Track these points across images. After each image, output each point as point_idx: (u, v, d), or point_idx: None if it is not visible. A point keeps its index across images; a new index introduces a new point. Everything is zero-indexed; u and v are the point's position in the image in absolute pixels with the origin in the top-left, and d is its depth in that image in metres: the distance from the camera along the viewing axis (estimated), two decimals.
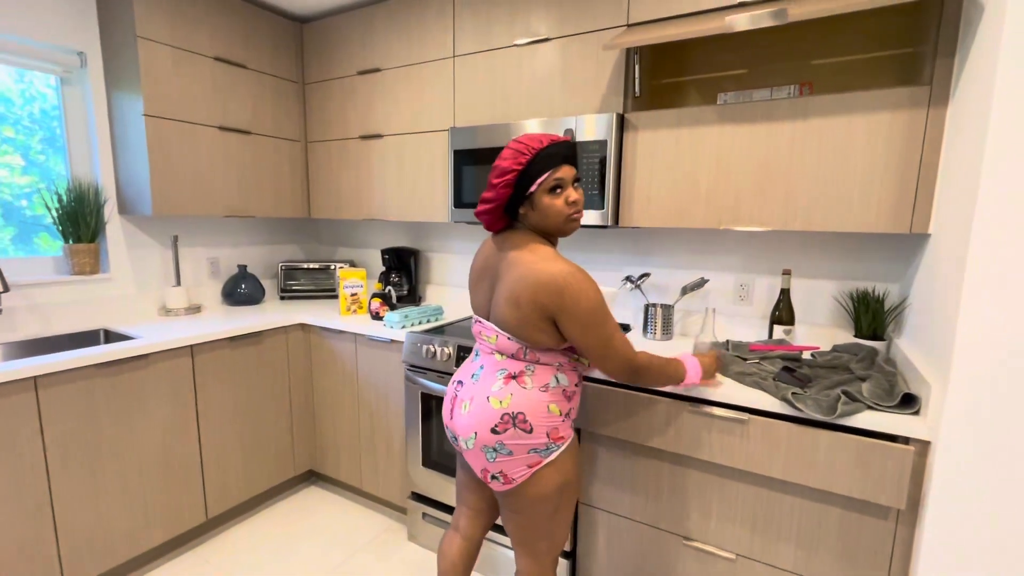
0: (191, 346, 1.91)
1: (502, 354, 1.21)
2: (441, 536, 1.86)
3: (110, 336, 2.05)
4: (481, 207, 1.19)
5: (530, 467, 1.18)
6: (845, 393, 1.26)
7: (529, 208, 1.16)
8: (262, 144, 2.39)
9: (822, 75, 1.64)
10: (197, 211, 2.16)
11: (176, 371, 1.87)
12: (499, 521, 1.81)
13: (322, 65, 2.44)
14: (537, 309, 1.12)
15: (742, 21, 1.34)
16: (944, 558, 1.10)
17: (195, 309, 2.33)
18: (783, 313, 1.69)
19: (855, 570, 1.26)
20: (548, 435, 1.18)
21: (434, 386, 1.85)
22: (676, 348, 1.77)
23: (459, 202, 2.00)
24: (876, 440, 1.17)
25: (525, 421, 1.16)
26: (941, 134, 1.28)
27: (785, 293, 1.69)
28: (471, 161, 1.95)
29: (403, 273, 2.52)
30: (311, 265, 2.73)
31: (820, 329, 1.75)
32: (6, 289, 1.69)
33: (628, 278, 1.97)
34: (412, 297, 2.55)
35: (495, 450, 1.18)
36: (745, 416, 1.31)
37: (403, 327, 2.05)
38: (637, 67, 1.68)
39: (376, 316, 2.21)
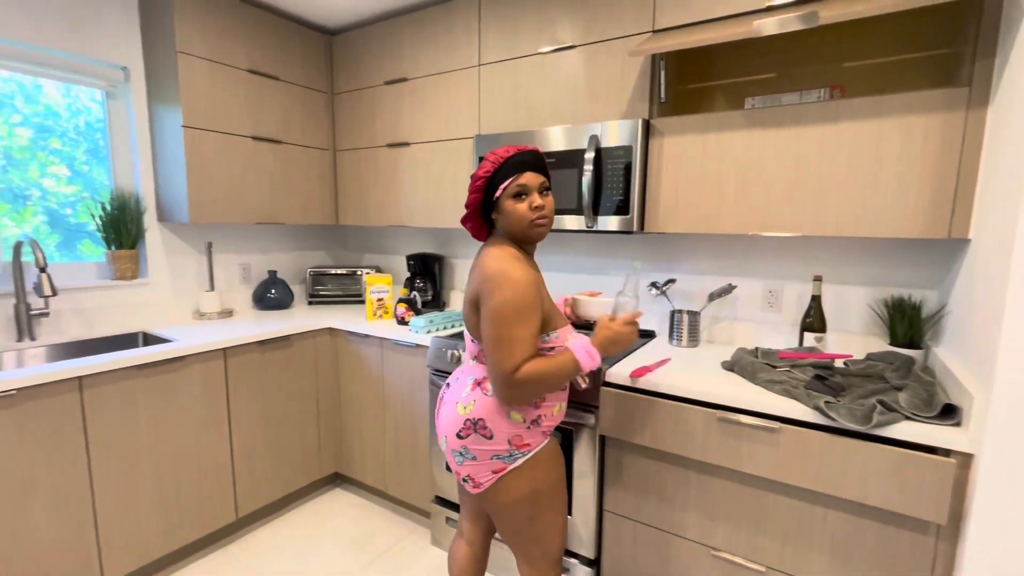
0: (224, 349, 1.97)
1: (475, 359, 1.26)
2: None
3: (148, 339, 2.12)
4: (464, 215, 1.27)
5: (495, 473, 1.20)
6: (881, 403, 1.23)
7: (498, 214, 1.21)
8: (292, 153, 2.45)
9: (853, 78, 1.61)
10: (230, 219, 2.23)
11: (209, 373, 1.93)
12: None
13: (350, 75, 2.50)
14: (474, 303, 1.19)
15: (770, 25, 1.33)
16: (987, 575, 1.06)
17: (227, 313, 2.40)
18: (814, 320, 1.65)
19: None
20: (510, 442, 1.19)
21: None
22: (703, 355, 1.75)
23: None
24: (914, 452, 1.13)
25: (485, 427, 1.19)
26: (981, 136, 1.25)
27: (816, 300, 1.66)
28: None
29: (428, 279, 2.56)
30: (338, 271, 2.78)
31: (853, 337, 1.71)
32: (54, 293, 1.77)
33: (653, 284, 1.96)
34: (436, 302, 2.58)
35: (461, 454, 1.22)
36: (776, 425, 1.29)
37: (428, 332, 2.08)
38: (663, 73, 1.68)
39: (402, 321, 2.24)
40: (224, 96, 2.16)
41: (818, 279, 1.65)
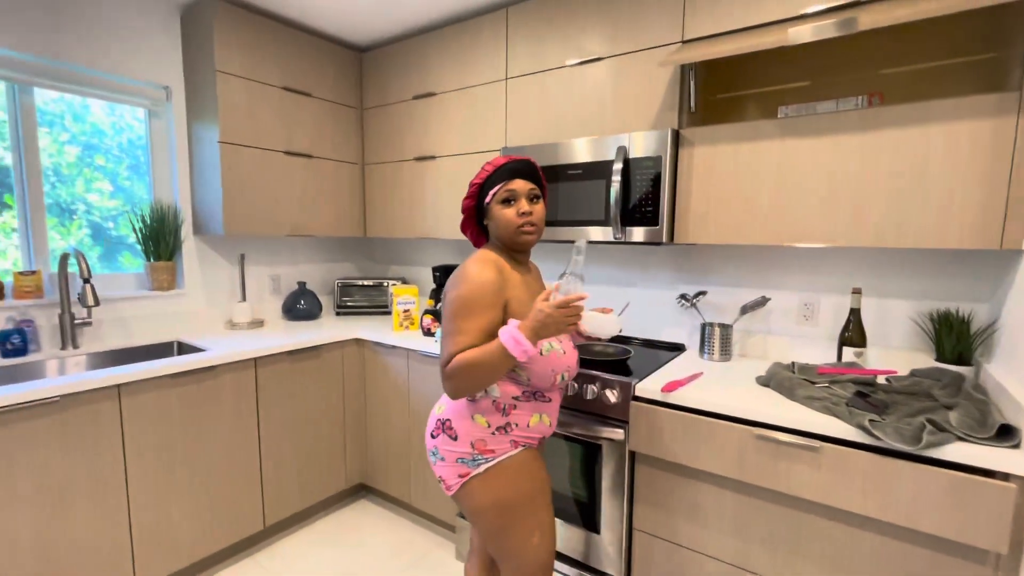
0: (255, 359, 2.01)
1: None
2: None
3: (183, 348, 2.18)
4: (462, 222, 1.31)
5: (460, 476, 1.20)
6: (930, 422, 1.16)
7: (490, 219, 1.24)
8: (323, 167, 2.51)
9: (892, 85, 1.56)
10: (263, 231, 2.28)
11: (240, 383, 1.97)
12: None
13: (379, 91, 2.56)
14: None
15: (806, 33, 1.31)
16: None
17: (258, 324, 2.45)
18: (853, 334, 1.59)
19: None
20: (473, 446, 1.18)
21: None
22: (736, 369, 1.70)
23: None
24: (969, 475, 1.07)
25: (451, 428, 1.21)
26: None
27: (855, 313, 1.60)
28: None
29: None
30: (365, 282, 2.82)
31: (895, 352, 1.64)
32: (97, 303, 1.84)
33: (683, 296, 1.92)
34: None
35: (434, 454, 1.24)
36: (817, 444, 1.23)
37: None
38: (692, 82, 1.66)
39: (428, 332, 2.25)
40: (259, 112, 2.23)
41: (857, 291, 1.59)
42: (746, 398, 1.41)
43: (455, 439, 1.20)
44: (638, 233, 1.71)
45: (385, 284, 2.82)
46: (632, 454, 1.57)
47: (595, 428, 1.58)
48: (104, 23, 2.01)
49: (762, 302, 1.75)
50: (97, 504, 1.61)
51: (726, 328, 1.80)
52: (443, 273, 2.58)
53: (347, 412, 2.38)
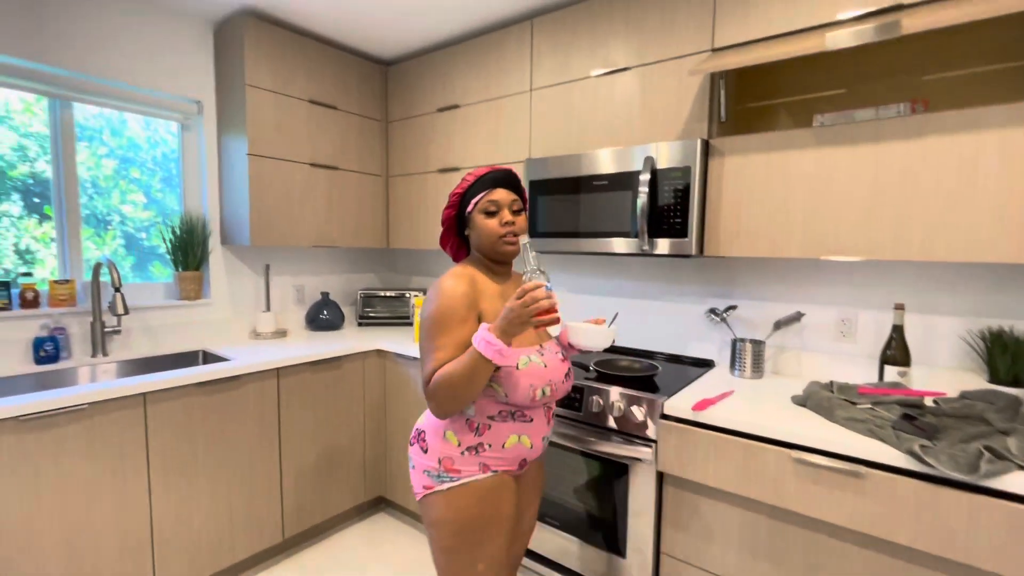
0: (277, 369, 2.01)
1: None
2: None
3: (207, 357, 2.20)
4: (441, 235, 1.29)
5: (425, 488, 1.18)
6: (988, 448, 1.08)
7: (471, 230, 1.21)
8: (347, 179, 2.53)
9: (936, 91, 1.49)
10: (288, 242, 2.31)
11: (263, 393, 1.97)
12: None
13: (404, 104, 2.58)
14: None
15: (844, 38, 1.26)
16: None
17: (281, 334, 2.46)
18: (896, 352, 1.51)
19: None
20: (440, 462, 1.16)
21: None
22: (769, 387, 1.63)
23: (534, 231, 2.00)
24: None
25: (424, 440, 1.20)
26: None
27: (898, 330, 1.51)
28: (547, 191, 1.95)
29: None
30: (387, 293, 2.82)
31: (942, 372, 1.54)
32: (126, 312, 1.87)
33: (712, 311, 1.86)
34: None
35: (410, 459, 1.24)
36: (862, 469, 1.16)
37: None
38: (723, 91, 1.62)
39: None
40: (286, 125, 2.27)
41: (900, 307, 1.51)
42: (782, 418, 1.34)
43: (425, 452, 1.19)
44: (665, 245, 1.67)
45: (407, 295, 2.81)
46: (660, 475, 1.50)
47: (621, 447, 1.53)
48: (142, 41, 2.08)
49: (796, 317, 1.68)
50: (120, 512, 1.61)
51: (758, 344, 1.73)
52: None
53: (367, 423, 2.36)
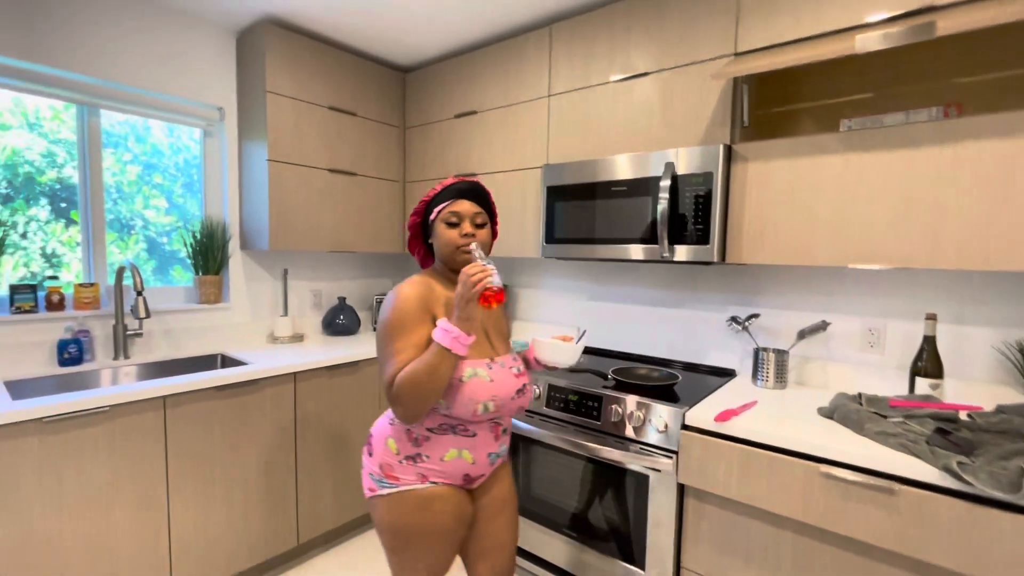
0: (294, 373, 2.02)
1: None
2: None
3: (226, 361, 2.22)
4: (408, 241, 1.30)
5: (369, 490, 1.20)
6: None
7: (434, 238, 1.21)
8: (365, 184, 2.55)
9: (970, 95, 1.45)
10: (306, 246, 2.32)
11: (280, 397, 1.98)
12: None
13: (422, 110, 2.59)
14: None
15: (874, 41, 1.23)
16: None
17: (298, 338, 2.47)
18: (928, 364, 1.46)
19: None
20: (380, 467, 1.18)
21: (522, 425, 1.79)
22: (793, 398, 1.59)
23: (551, 238, 1.98)
24: None
25: (371, 444, 1.22)
26: None
27: (929, 341, 1.46)
28: (564, 197, 1.93)
29: None
30: None
31: (977, 385, 1.49)
32: (148, 315, 1.89)
33: (734, 319, 1.82)
34: None
35: (362, 458, 1.22)
36: (894, 486, 1.11)
37: None
38: (745, 96, 1.60)
39: None
40: (306, 131, 2.29)
41: (931, 317, 1.46)
42: (809, 431, 1.30)
43: (371, 455, 1.21)
44: (686, 252, 1.64)
45: None
46: (681, 487, 1.47)
47: (640, 457, 1.50)
48: (168, 49, 2.12)
49: (822, 326, 1.64)
50: (139, 514, 1.62)
51: (782, 354, 1.69)
52: None
53: None
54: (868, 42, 1.22)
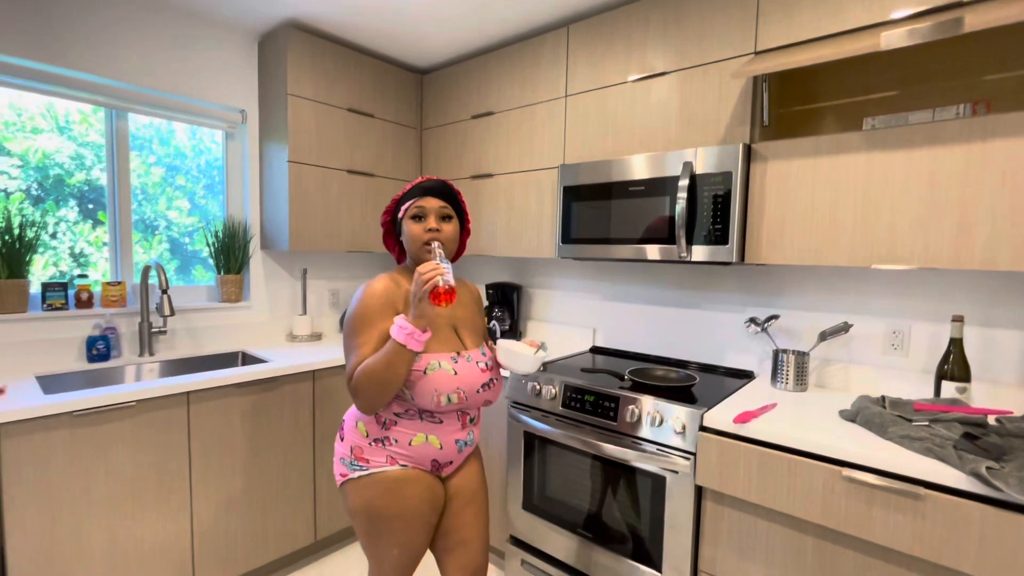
0: (313, 371, 2.05)
1: None
2: None
3: (246, 358, 2.26)
4: (383, 238, 1.34)
5: (341, 475, 1.23)
6: None
7: (402, 235, 1.25)
8: (382, 185, 2.57)
9: (1001, 91, 1.41)
10: (325, 247, 2.35)
11: (299, 394, 2.00)
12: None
13: (438, 111, 2.61)
14: None
15: (900, 37, 1.21)
16: None
17: (316, 337, 2.51)
18: (955, 368, 1.42)
19: None
20: (351, 451, 1.21)
21: (538, 425, 1.79)
22: (813, 401, 1.56)
23: (567, 238, 1.98)
24: None
25: (342, 429, 1.26)
26: None
27: (956, 343, 1.43)
28: (581, 197, 1.93)
29: (506, 308, 2.54)
30: None
31: (1006, 389, 1.45)
32: (172, 313, 1.93)
33: (752, 320, 1.80)
34: (513, 332, 2.55)
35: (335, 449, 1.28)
36: (920, 491, 1.09)
37: None
38: (765, 95, 1.58)
39: None
40: (325, 133, 2.32)
41: (958, 319, 1.43)
42: (830, 433, 1.28)
43: (342, 440, 1.25)
44: (704, 252, 1.62)
45: None
46: (699, 489, 1.46)
47: (657, 458, 1.49)
48: (193, 54, 2.17)
49: (844, 328, 1.61)
50: (163, 506, 1.66)
51: (802, 355, 1.66)
52: (497, 291, 2.57)
53: None
54: (893, 39, 1.20)
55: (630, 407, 1.58)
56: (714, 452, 1.38)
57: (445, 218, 1.24)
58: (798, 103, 1.76)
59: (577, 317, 2.43)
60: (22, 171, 1.89)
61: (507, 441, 1.97)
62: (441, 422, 1.21)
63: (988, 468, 1.04)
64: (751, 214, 1.59)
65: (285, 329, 2.53)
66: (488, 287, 2.58)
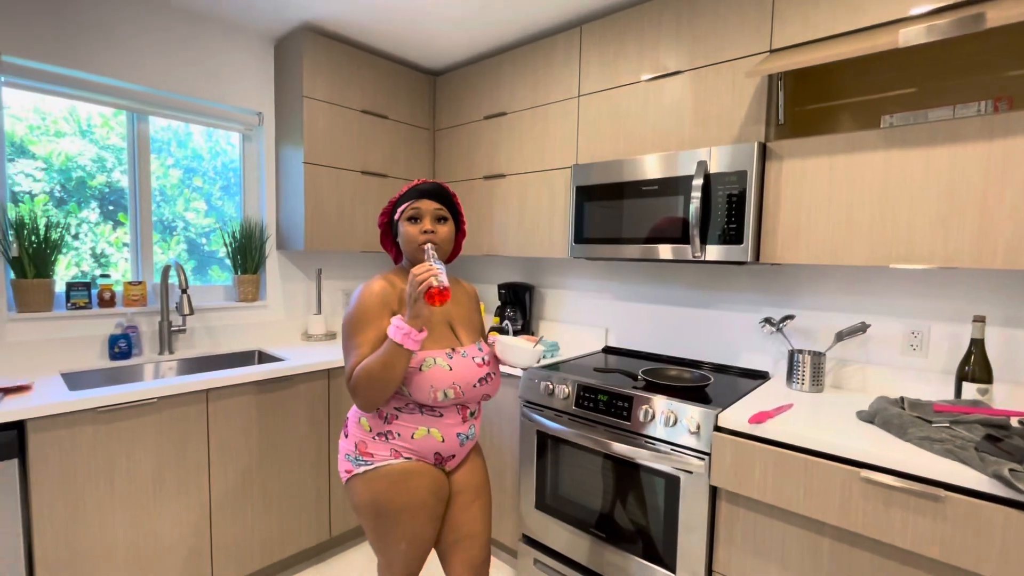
0: (327, 370, 2.07)
1: None
2: None
3: (263, 357, 2.29)
4: (380, 239, 1.36)
5: (346, 472, 1.24)
6: None
7: (399, 236, 1.27)
8: (396, 186, 2.59)
9: (1021, 87, 1.39)
10: (339, 247, 2.38)
11: (314, 392, 2.03)
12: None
13: (451, 112, 2.62)
14: None
15: (919, 34, 1.19)
16: None
17: (331, 336, 2.53)
18: (976, 369, 1.40)
19: None
20: (356, 446, 1.23)
21: (551, 424, 1.79)
22: (829, 401, 1.55)
23: (580, 238, 1.98)
24: None
25: (347, 426, 1.28)
26: None
27: (977, 344, 1.41)
28: (594, 197, 1.93)
29: (518, 308, 2.54)
30: None
31: None
32: (191, 312, 1.97)
33: (767, 320, 1.78)
34: (526, 331, 2.55)
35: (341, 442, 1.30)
36: (941, 493, 1.08)
37: None
38: (781, 93, 1.57)
39: None
40: (339, 135, 2.35)
41: (979, 320, 1.41)
42: (848, 435, 1.27)
43: (347, 436, 1.26)
44: (719, 252, 1.62)
45: None
46: (714, 490, 1.45)
47: (672, 458, 1.49)
48: (211, 58, 2.20)
49: (861, 328, 1.59)
50: (182, 500, 1.69)
51: (818, 356, 1.65)
52: (509, 290, 2.58)
53: None
54: (912, 36, 1.18)
55: (643, 407, 1.58)
56: (729, 452, 1.37)
57: (440, 220, 1.26)
58: (814, 101, 1.74)
59: (589, 317, 2.43)
60: (46, 173, 1.94)
61: (520, 440, 1.98)
62: (441, 415, 1.23)
63: (1011, 470, 1.02)
64: (766, 213, 1.58)
65: (300, 328, 2.56)
66: (500, 287, 2.59)
